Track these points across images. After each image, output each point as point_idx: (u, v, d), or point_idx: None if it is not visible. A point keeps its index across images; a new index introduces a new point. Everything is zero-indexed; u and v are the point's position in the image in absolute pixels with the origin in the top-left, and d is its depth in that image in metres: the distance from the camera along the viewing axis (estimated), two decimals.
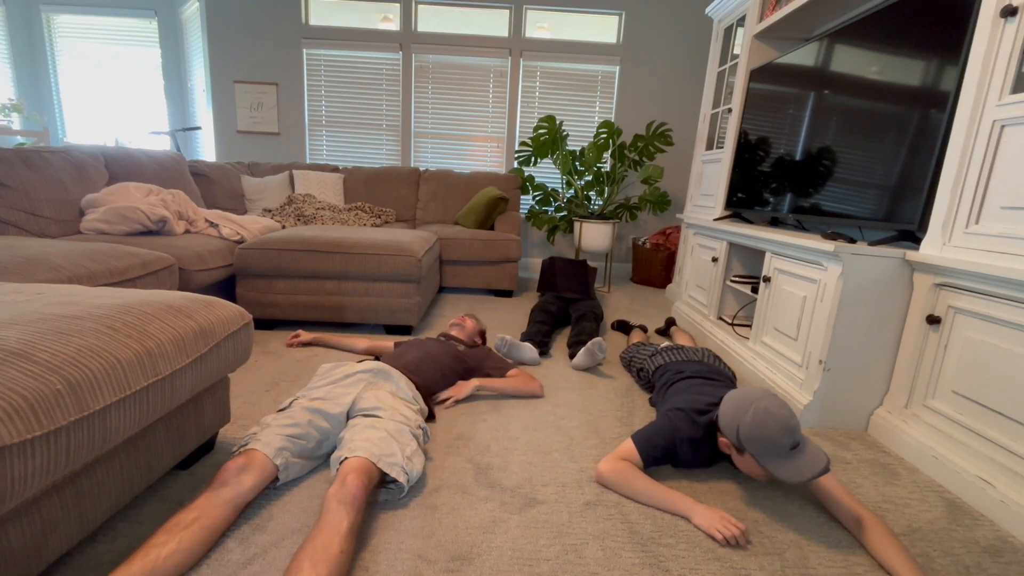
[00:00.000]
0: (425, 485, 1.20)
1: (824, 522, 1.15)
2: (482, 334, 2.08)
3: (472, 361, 1.77)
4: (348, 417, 1.25)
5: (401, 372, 1.44)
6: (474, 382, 1.68)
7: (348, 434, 1.14)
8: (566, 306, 2.59)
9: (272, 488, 1.13)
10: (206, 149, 4.43)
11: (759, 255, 2.49)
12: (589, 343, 1.95)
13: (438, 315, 2.75)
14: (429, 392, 1.56)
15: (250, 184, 3.57)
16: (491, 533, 1.05)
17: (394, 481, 1.10)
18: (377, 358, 1.52)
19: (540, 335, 2.19)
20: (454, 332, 1.95)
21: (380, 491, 1.13)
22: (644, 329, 2.45)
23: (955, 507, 1.24)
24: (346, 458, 1.05)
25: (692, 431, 1.27)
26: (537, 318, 2.37)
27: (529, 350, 2.02)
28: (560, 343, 2.34)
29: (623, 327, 2.58)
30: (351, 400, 1.26)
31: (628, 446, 1.28)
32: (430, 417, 1.51)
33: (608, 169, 3.87)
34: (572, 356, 2.05)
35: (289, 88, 4.18)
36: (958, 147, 1.37)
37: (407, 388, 1.38)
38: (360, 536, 1.01)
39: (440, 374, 1.62)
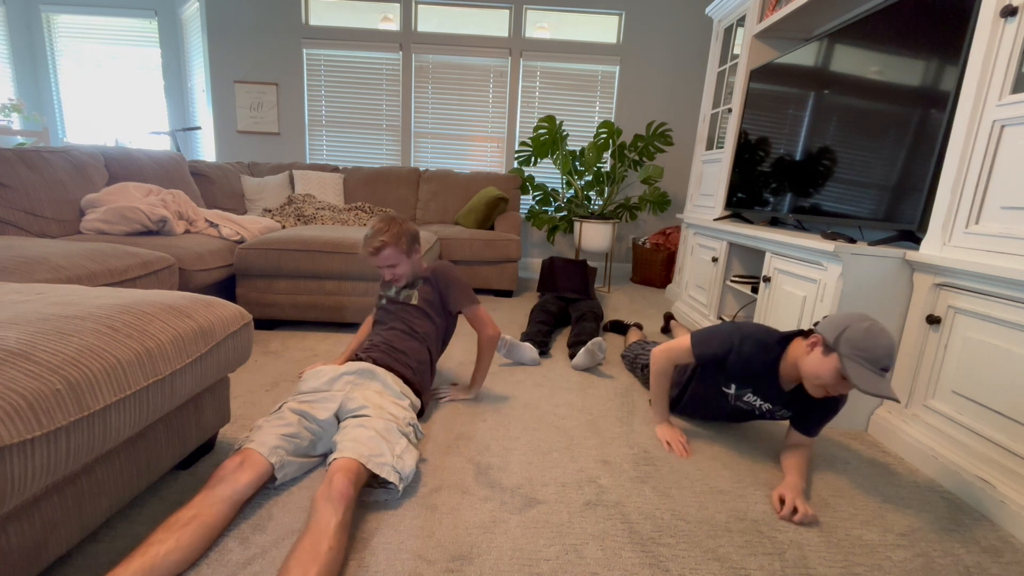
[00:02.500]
0: (425, 485, 1.20)
1: (824, 522, 1.15)
2: (413, 240, 1.56)
3: (440, 301, 1.59)
4: (339, 420, 1.24)
5: (387, 369, 1.39)
6: (472, 392, 1.68)
7: (339, 436, 1.14)
8: (566, 306, 2.59)
9: (271, 488, 1.13)
10: (206, 149, 4.43)
11: (759, 255, 2.48)
12: (589, 343, 1.95)
13: None
14: (424, 378, 1.50)
15: (250, 184, 3.57)
16: (491, 533, 1.05)
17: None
18: (359, 357, 1.45)
19: (540, 335, 2.19)
20: (396, 281, 1.58)
21: (377, 491, 1.13)
22: (640, 327, 2.44)
23: (955, 507, 1.24)
24: (335, 459, 1.05)
25: (763, 337, 1.32)
26: (537, 318, 2.37)
27: (529, 350, 2.02)
28: (560, 343, 2.34)
29: (618, 328, 2.57)
30: (338, 403, 1.24)
31: (684, 339, 1.38)
32: (420, 412, 1.48)
33: (608, 169, 3.87)
34: (572, 356, 2.05)
35: (289, 88, 4.18)
36: (958, 147, 1.37)
37: (394, 384, 1.34)
38: (358, 535, 1.01)
39: (426, 348, 1.52)
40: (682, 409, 1.60)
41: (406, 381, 1.43)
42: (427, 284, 1.59)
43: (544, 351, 2.14)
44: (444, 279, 1.59)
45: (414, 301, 1.57)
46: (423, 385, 1.50)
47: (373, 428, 1.15)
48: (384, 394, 1.31)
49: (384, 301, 1.64)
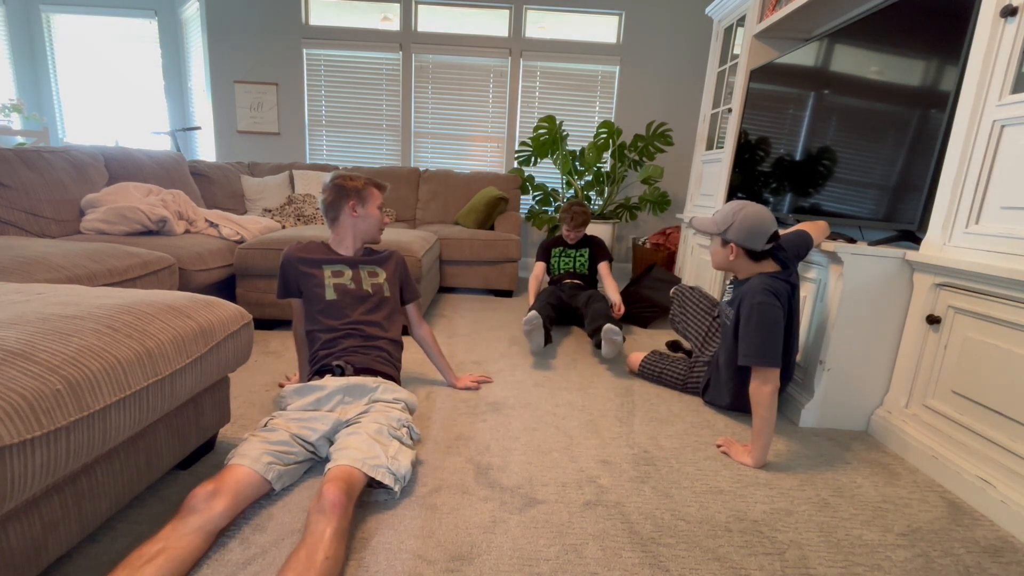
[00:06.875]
0: (425, 485, 1.20)
1: (824, 522, 1.15)
2: (351, 195, 1.48)
3: (399, 288, 1.62)
4: (330, 439, 1.22)
5: (371, 373, 1.38)
6: (461, 382, 1.77)
7: (333, 448, 1.13)
8: (569, 301, 2.53)
9: (272, 495, 1.12)
10: (206, 149, 4.43)
11: None
12: (603, 332, 1.98)
13: (438, 315, 2.75)
14: (398, 358, 1.53)
15: (250, 184, 3.57)
16: (491, 533, 1.05)
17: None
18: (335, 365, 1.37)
19: (547, 310, 2.20)
20: (373, 241, 1.58)
21: (377, 491, 1.13)
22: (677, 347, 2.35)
23: (955, 507, 1.24)
24: (329, 468, 1.04)
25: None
26: (546, 299, 2.33)
27: (538, 336, 2.06)
28: (561, 343, 2.34)
29: (675, 347, 2.38)
30: (329, 425, 1.21)
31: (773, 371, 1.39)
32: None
33: (608, 169, 3.87)
34: (597, 344, 2.07)
35: (289, 88, 4.18)
36: (958, 147, 1.37)
37: (383, 393, 1.32)
38: (358, 535, 1.01)
39: (398, 336, 1.53)
40: (712, 393, 1.72)
41: (395, 381, 1.41)
42: (387, 271, 1.57)
43: (547, 340, 2.15)
44: (405, 266, 1.65)
45: (387, 293, 1.54)
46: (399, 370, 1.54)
47: (365, 432, 1.14)
48: (376, 404, 1.29)
49: (334, 291, 1.46)
